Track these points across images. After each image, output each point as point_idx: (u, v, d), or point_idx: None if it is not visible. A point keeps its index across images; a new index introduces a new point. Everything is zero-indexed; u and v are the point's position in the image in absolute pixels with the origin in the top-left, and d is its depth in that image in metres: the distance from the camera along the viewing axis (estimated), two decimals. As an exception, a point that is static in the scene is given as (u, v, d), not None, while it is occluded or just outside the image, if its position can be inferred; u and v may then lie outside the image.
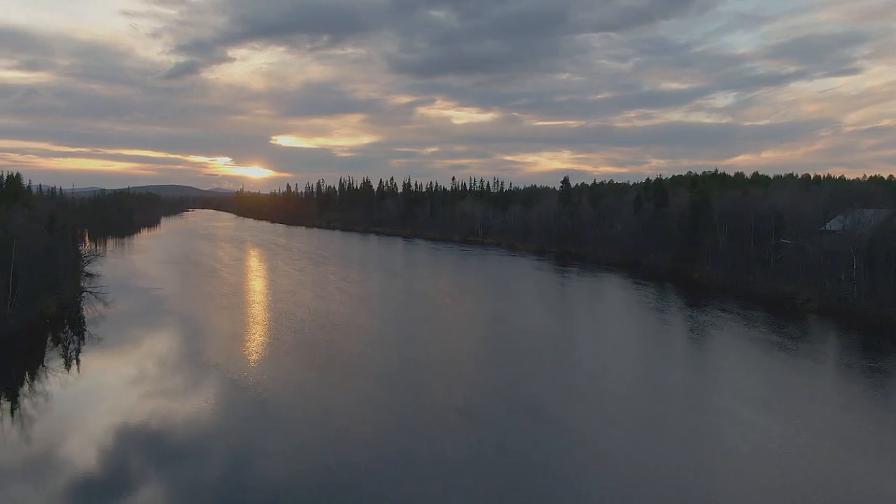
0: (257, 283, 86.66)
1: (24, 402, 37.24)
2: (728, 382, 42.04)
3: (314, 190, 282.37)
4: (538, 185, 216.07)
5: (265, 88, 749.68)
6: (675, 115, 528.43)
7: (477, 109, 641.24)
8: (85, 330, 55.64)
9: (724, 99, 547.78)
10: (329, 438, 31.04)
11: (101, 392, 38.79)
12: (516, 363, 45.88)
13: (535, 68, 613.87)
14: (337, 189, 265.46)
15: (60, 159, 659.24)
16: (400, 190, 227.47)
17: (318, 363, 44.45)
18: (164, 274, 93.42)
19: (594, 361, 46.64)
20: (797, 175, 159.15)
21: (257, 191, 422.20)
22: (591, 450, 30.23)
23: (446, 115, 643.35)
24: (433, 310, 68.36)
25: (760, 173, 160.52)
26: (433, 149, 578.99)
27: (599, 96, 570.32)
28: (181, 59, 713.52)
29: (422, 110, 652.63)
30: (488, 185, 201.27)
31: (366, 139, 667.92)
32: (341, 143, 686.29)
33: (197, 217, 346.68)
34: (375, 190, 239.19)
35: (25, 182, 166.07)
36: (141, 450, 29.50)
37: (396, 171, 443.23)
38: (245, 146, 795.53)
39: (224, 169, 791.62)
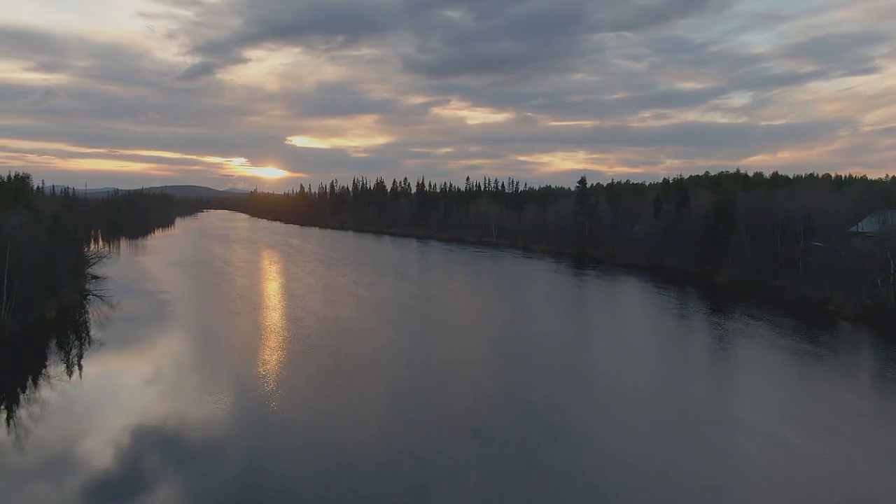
0: (266, 286, 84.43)
1: (11, 410, 35.01)
2: (757, 396, 39.02)
3: (327, 190, 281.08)
4: (553, 186, 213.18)
5: (280, 89, 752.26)
6: (690, 115, 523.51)
7: (491, 110, 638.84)
8: (83, 335, 53.60)
9: (740, 99, 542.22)
10: (332, 457, 28.51)
11: (94, 399, 36.49)
12: (534, 375, 43.09)
13: (550, 68, 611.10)
14: (350, 189, 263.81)
15: (78, 160, 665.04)
16: (413, 190, 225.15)
17: (323, 373, 41.96)
18: (171, 276, 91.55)
19: (616, 373, 43.73)
20: (818, 175, 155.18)
21: (273, 191, 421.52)
22: (609, 466, 27.45)
23: (460, 115, 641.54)
24: (447, 316, 65.63)
25: (776, 174, 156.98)
26: (447, 149, 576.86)
27: (614, 96, 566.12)
28: (197, 60, 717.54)
29: (436, 111, 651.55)
30: (503, 185, 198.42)
31: (380, 140, 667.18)
32: (356, 144, 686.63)
33: (211, 218, 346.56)
34: (389, 190, 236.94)
35: (38, 182, 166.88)
36: (131, 463, 27.15)
37: (410, 171, 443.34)
38: (260, 147, 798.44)
39: (239, 169, 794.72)
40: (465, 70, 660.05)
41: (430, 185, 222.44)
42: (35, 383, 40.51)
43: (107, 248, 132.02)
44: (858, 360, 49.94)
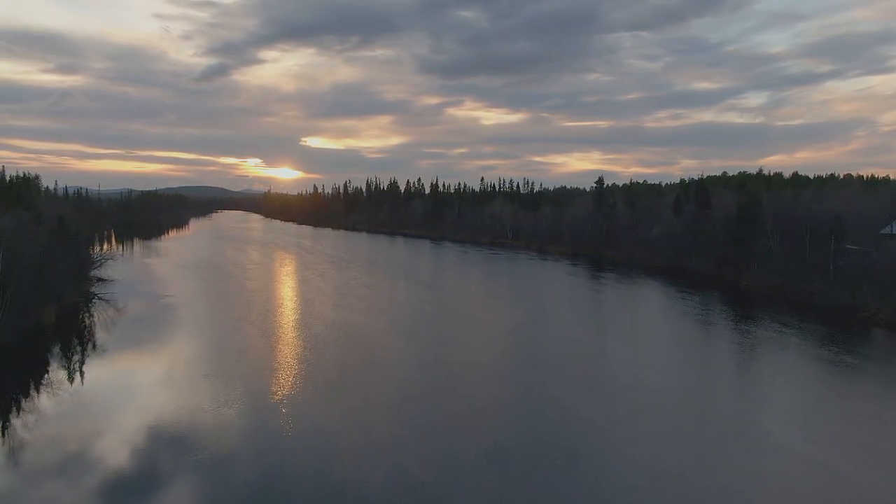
0: (275, 290, 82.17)
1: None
2: (789, 410, 36.05)
3: (341, 191, 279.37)
4: (568, 186, 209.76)
5: (295, 90, 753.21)
6: (706, 116, 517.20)
7: (506, 110, 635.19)
8: (80, 342, 51.61)
9: (756, 99, 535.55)
10: (334, 478, 26.02)
11: (84, 412, 34.22)
12: (554, 387, 40.38)
13: (565, 68, 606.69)
14: (364, 190, 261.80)
15: (94, 161, 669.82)
16: (427, 191, 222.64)
17: (327, 384, 39.52)
18: (179, 279, 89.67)
19: (641, 387, 40.87)
20: (839, 175, 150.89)
21: (287, 192, 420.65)
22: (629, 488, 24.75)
23: (475, 115, 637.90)
24: (462, 323, 62.95)
25: (796, 174, 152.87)
26: (461, 150, 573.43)
27: (630, 96, 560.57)
28: (212, 61, 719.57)
29: (450, 111, 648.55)
30: (518, 185, 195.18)
31: (394, 140, 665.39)
32: (370, 145, 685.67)
33: (225, 218, 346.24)
34: (402, 191, 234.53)
35: (53, 183, 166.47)
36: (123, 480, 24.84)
37: (425, 172, 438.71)
38: (275, 148, 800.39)
39: (254, 170, 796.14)
40: (479, 70, 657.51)
41: (444, 185, 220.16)
42: (23, 395, 38.39)
43: (116, 250, 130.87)
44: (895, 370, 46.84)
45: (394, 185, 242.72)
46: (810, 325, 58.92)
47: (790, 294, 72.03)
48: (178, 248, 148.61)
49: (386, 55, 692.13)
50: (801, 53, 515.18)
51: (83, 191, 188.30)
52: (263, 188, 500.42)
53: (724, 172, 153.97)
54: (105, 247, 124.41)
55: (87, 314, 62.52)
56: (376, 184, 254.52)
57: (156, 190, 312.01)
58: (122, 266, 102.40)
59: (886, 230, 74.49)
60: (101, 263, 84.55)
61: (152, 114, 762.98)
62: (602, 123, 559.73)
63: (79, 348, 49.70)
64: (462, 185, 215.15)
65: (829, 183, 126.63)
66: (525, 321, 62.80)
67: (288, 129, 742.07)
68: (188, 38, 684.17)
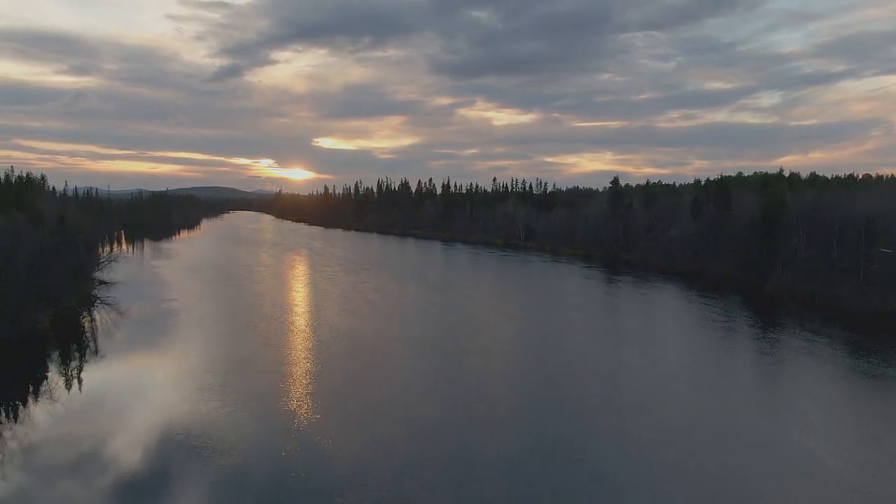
0: (281, 294, 79.61)
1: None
2: (837, 435, 32.91)
3: (351, 192, 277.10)
4: (580, 187, 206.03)
5: (307, 91, 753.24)
6: (719, 116, 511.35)
7: (517, 110, 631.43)
8: (71, 350, 49.26)
9: (769, 99, 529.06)
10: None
11: (60, 423, 31.74)
12: (571, 404, 37.52)
13: (577, 68, 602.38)
14: (374, 191, 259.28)
15: (108, 162, 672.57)
16: (439, 191, 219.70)
17: (328, 397, 36.88)
18: (184, 282, 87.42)
19: (667, 403, 37.92)
20: (858, 175, 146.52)
21: (299, 193, 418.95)
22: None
23: (487, 116, 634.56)
24: (475, 331, 60.03)
25: (814, 174, 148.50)
26: (473, 150, 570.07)
27: (642, 96, 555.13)
28: (225, 62, 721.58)
29: (462, 111, 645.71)
30: (531, 186, 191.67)
31: (406, 141, 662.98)
32: (382, 145, 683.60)
33: (236, 219, 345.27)
34: (414, 192, 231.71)
35: (62, 184, 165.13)
36: None
37: (436, 172, 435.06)
38: (287, 148, 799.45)
39: (267, 171, 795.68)
40: (490, 71, 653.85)
41: (455, 186, 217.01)
42: (9, 405, 36.01)
43: (123, 250, 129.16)
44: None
45: (405, 185, 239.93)
46: (843, 333, 55.61)
47: (818, 299, 68.67)
48: (187, 249, 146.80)
49: (397, 55, 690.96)
50: (814, 53, 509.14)
51: (93, 191, 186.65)
52: (276, 189, 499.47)
53: (740, 173, 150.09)
54: (112, 248, 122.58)
55: (85, 319, 60.24)
56: (387, 184, 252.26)
57: (167, 190, 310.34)
58: (129, 267, 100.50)
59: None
60: (105, 265, 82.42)
61: (165, 115, 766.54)
62: (614, 124, 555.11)
63: (68, 357, 47.29)
64: (474, 186, 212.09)
65: (854, 183, 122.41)
66: (542, 331, 59.83)
67: (300, 129, 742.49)
68: (201, 38, 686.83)
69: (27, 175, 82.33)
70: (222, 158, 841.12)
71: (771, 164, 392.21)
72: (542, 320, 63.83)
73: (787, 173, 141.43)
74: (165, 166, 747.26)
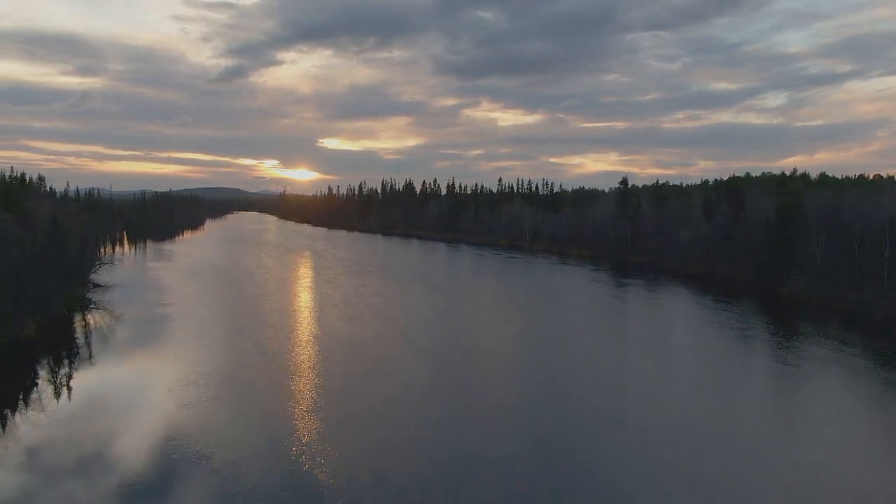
0: (280, 299, 77.05)
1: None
2: (872, 457, 30.30)
3: (355, 192, 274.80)
4: (586, 188, 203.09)
5: (312, 91, 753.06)
6: (724, 116, 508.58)
7: (522, 111, 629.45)
8: (58, 359, 46.91)
9: (775, 99, 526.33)
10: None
11: (32, 441, 29.42)
12: (580, 420, 34.98)
13: (582, 69, 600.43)
14: (378, 191, 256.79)
15: (113, 162, 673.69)
16: (444, 192, 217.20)
17: (328, 398, 34.42)
18: (182, 285, 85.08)
19: (684, 421, 35.36)
20: (868, 176, 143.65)
21: (304, 193, 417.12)
22: None
23: (492, 116, 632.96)
24: (479, 338, 57.52)
25: (816, 175, 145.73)
26: (478, 151, 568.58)
27: (647, 97, 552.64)
28: (230, 62, 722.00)
29: (467, 112, 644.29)
30: (536, 187, 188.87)
31: (411, 141, 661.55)
32: (387, 146, 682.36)
33: (240, 220, 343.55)
34: (418, 192, 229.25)
35: (67, 185, 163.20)
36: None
37: (441, 173, 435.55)
38: (292, 149, 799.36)
39: (272, 171, 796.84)
40: (495, 71, 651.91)
41: (461, 186, 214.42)
42: (-18, 423, 33.66)
43: (121, 252, 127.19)
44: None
45: (409, 186, 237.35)
46: (868, 342, 52.92)
47: (838, 304, 65.98)
48: (189, 250, 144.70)
49: (402, 56, 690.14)
50: (820, 53, 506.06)
51: (95, 191, 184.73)
52: (280, 189, 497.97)
53: (747, 173, 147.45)
54: (111, 249, 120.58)
55: (74, 325, 57.94)
56: (392, 185, 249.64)
57: (171, 191, 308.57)
58: (127, 270, 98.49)
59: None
60: (100, 267, 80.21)
61: (170, 115, 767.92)
62: (619, 124, 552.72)
63: (49, 368, 44.85)
64: (479, 187, 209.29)
65: (866, 184, 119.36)
66: (550, 337, 57.16)
67: (305, 130, 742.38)
68: (206, 39, 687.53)
69: (21, 175, 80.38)
70: (227, 159, 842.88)
71: (776, 165, 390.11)
72: (549, 327, 61.22)
73: (798, 174, 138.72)
74: (170, 167, 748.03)
